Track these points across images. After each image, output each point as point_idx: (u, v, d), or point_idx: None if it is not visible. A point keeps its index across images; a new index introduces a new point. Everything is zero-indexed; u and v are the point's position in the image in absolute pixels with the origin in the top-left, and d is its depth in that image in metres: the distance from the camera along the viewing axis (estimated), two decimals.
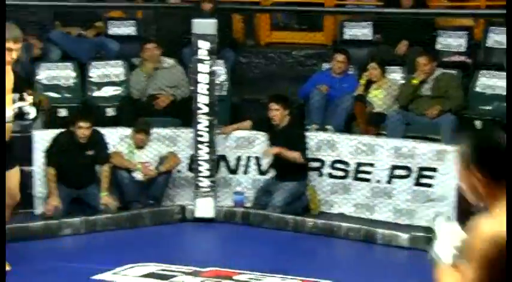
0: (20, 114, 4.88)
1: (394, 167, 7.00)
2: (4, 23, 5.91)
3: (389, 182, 7.03)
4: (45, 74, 8.15)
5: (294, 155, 7.14)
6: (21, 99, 4.96)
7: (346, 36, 8.87)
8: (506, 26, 6.80)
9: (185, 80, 8.04)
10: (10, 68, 5.13)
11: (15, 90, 7.32)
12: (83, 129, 6.97)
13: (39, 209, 7.10)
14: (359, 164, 7.16)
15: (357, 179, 7.18)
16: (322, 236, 6.77)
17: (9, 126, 5.12)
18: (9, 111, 4.88)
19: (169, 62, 8.09)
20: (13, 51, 4.89)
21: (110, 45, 8.58)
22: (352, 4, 9.55)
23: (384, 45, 8.49)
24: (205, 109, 7.20)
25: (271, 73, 9.09)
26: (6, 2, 8.59)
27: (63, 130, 7.11)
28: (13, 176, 5.38)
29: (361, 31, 8.79)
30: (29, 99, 4.96)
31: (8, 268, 5.40)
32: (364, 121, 7.53)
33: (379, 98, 7.60)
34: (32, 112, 4.88)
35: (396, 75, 7.96)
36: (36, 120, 5.10)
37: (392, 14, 8.11)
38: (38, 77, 8.11)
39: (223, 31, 7.57)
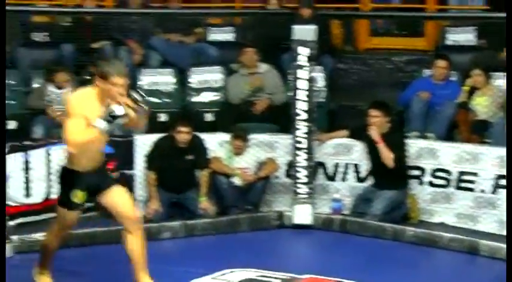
0: (111, 117, 4.84)
1: (500, 177, 6.80)
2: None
3: (494, 192, 6.84)
4: (146, 79, 8.31)
5: (388, 155, 7.01)
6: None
7: (448, 42, 8.75)
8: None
9: (281, 85, 8.05)
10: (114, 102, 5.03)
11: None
12: (183, 134, 7.05)
13: (139, 212, 7.20)
14: (462, 173, 7.01)
15: (459, 188, 7.03)
16: (422, 245, 6.64)
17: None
18: (101, 122, 4.83)
19: (264, 67, 8.12)
20: (118, 85, 4.88)
21: (209, 51, 8.68)
22: (455, 9, 9.37)
23: (489, 50, 8.29)
24: (304, 115, 7.17)
25: (369, 79, 9.03)
26: (110, 10, 8.96)
27: (163, 135, 7.20)
28: (117, 194, 5.16)
29: (464, 36, 8.63)
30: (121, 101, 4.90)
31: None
32: (467, 129, 7.36)
33: (483, 106, 7.41)
34: (119, 110, 4.82)
35: (502, 81, 7.74)
36: (124, 117, 4.88)
37: (498, 18, 7.88)
38: (139, 83, 8.26)
39: (322, 37, 7.54)
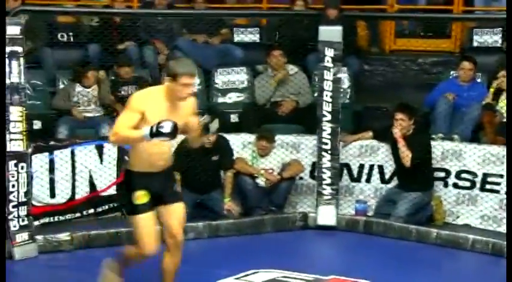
0: (156, 131, 4.51)
1: None
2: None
3: None
4: None
5: (406, 154, 7.05)
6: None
7: (475, 43, 8.76)
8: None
9: (308, 87, 8.10)
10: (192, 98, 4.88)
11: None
12: (208, 135, 7.09)
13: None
14: (487, 175, 7.05)
15: (484, 190, 7.08)
16: (446, 247, 6.68)
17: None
18: (147, 130, 4.53)
19: (292, 68, 8.17)
20: (189, 86, 4.68)
21: (235, 52, 8.74)
22: (481, 10, 9.36)
23: None
24: (329, 116, 7.20)
25: (395, 81, 9.04)
26: (136, 11, 9.04)
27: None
28: (176, 212, 4.94)
29: (491, 38, 8.63)
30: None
31: None
32: (493, 131, 7.37)
33: None
34: (166, 128, 4.51)
35: None
36: (167, 136, 4.53)
37: None
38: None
39: (347, 38, 7.57)
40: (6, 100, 6.18)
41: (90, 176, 7.19)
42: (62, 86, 8.12)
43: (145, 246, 4.81)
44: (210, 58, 8.63)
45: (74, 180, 7.14)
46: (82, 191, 7.17)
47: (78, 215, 7.17)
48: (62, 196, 7.09)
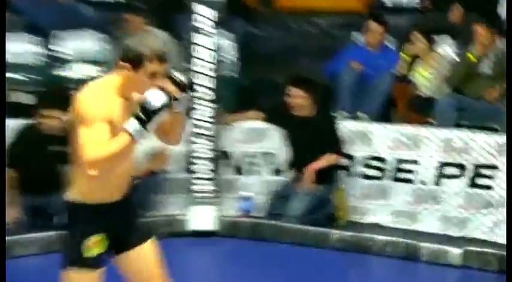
0: (147, 113, 3.64)
1: (444, 165, 7.04)
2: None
3: (437, 183, 7.08)
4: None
5: (332, 159, 7.17)
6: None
7: (386, 1, 8.92)
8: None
9: (179, 56, 8.08)
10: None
11: None
12: (47, 119, 6.99)
13: None
14: (399, 161, 7.22)
15: (396, 179, 7.25)
16: (351, 251, 6.82)
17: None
18: (134, 123, 3.66)
19: (160, 33, 8.13)
20: (159, 75, 3.79)
21: (84, 11, 8.65)
22: None
23: (433, 12, 8.49)
24: (206, 93, 7.25)
25: (291, 47, 9.18)
26: None
27: (28, 122, 7.09)
28: (151, 253, 4.20)
29: None
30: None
31: None
32: (406, 107, 7.56)
33: (425, 78, 7.63)
34: (157, 99, 3.63)
35: (448, 49, 7.99)
36: (166, 109, 3.62)
37: None
38: None
39: None
40: None
41: None
42: None
43: None
44: (53, 19, 8.49)
45: None
46: None
47: None
48: None
